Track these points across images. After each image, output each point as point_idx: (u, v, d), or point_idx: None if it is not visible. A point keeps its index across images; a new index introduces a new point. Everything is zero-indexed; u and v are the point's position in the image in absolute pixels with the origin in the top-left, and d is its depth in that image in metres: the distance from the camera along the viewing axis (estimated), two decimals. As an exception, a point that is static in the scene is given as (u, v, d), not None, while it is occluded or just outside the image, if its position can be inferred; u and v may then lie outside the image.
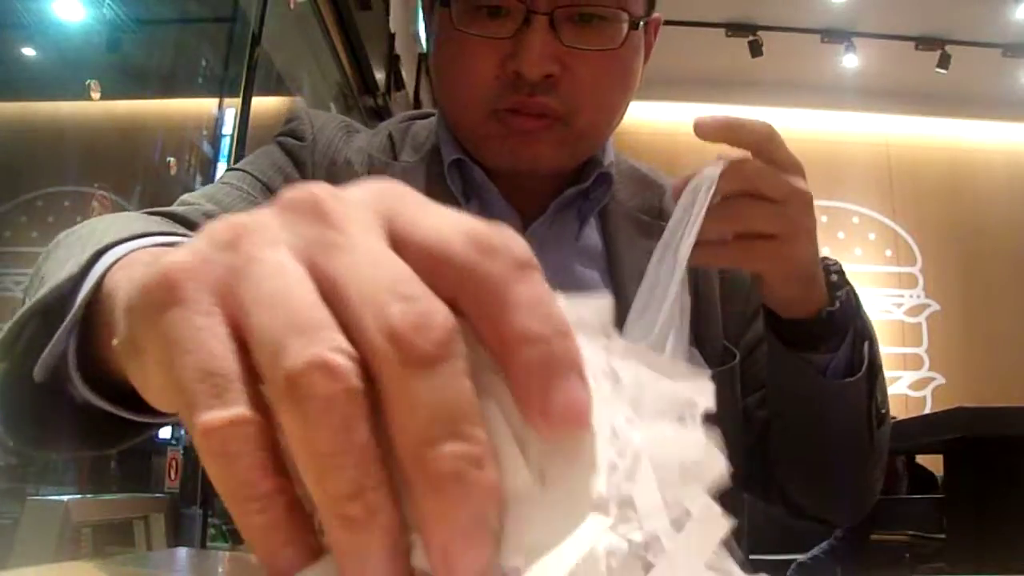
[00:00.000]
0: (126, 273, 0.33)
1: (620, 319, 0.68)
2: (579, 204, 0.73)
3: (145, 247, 0.37)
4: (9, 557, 1.61)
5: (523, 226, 0.70)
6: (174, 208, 0.61)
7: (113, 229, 0.39)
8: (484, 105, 0.65)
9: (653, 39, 0.72)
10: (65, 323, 0.35)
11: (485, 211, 0.69)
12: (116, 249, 0.37)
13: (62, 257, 0.41)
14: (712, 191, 0.53)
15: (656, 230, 0.70)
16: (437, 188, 0.69)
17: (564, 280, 0.70)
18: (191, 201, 0.64)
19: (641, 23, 0.65)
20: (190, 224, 0.56)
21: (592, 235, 0.73)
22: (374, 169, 0.70)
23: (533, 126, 0.65)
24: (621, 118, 0.72)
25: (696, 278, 0.71)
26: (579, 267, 0.72)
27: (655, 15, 0.70)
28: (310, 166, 0.71)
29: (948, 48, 5.30)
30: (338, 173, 0.70)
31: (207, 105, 3.05)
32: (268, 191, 0.68)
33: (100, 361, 0.35)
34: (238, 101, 3.13)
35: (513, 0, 0.62)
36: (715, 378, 0.69)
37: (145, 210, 0.58)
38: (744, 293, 0.75)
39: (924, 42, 5.32)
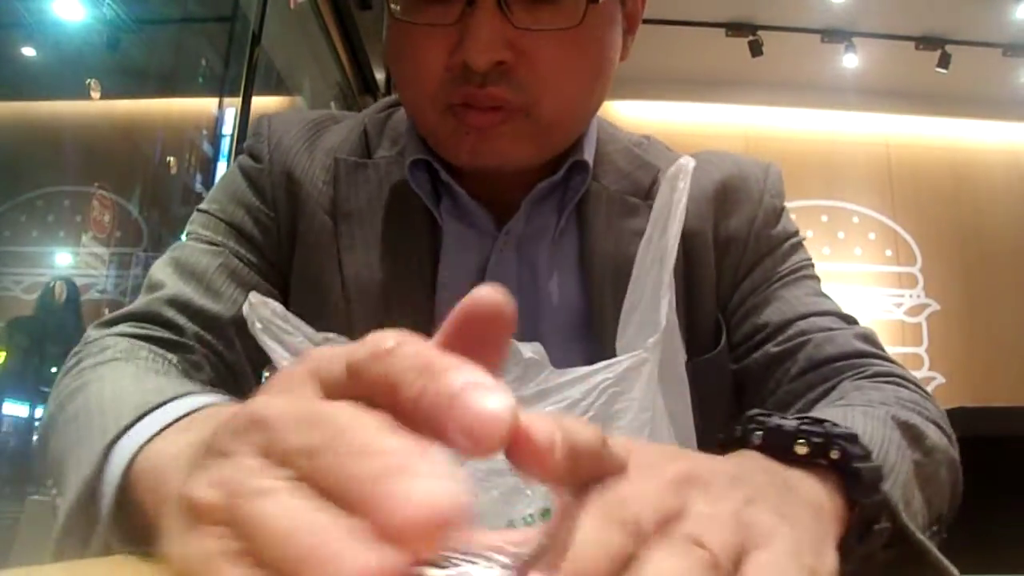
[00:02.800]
0: (141, 473, 0.38)
1: (591, 319, 0.63)
2: (557, 196, 0.67)
3: (145, 437, 0.40)
4: (9, 557, 1.61)
5: (497, 225, 0.66)
6: (139, 306, 0.63)
7: (110, 410, 0.43)
8: (436, 100, 0.59)
9: (640, 5, 0.66)
10: (101, 525, 0.40)
11: (457, 211, 0.66)
12: (124, 442, 0.41)
13: (71, 441, 0.45)
14: (688, 180, 0.52)
15: (643, 211, 0.66)
16: (411, 186, 0.66)
17: (543, 279, 0.67)
18: (158, 279, 0.65)
19: None
20: (155, 320, 0.61)
21: (568, 231, 0.68)
22: (340, 175, 0.68)
23: (488, 121, 0.58)
24: (598, 104, 0.65)
25: (690, 262, 0.68)
26: (556, 263, 0.67)
27: None
28: (269, 189, 0.69)
29: (948, 48, 5.29)
30: (297, 195, 0.68)
31: (207, 105, 3.05)
32: (233, 229, 0.68)
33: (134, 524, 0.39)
34: (238, 101, 3.13)
35: None
36: (702, 365, 0.66)
37: (109, 319, 0.62)
38: (739, 252, 0.70)
39: (924, 42, 5.32)
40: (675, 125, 5.98)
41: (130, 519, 0.39)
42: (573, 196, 0.67)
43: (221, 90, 3.02)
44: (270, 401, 0.26)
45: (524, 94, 0.58)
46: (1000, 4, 5.02)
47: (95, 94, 2.21)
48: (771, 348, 0.65)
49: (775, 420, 0.38)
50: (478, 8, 0.55)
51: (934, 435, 0.51)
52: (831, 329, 0.64)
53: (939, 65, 5.31)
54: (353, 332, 0.64)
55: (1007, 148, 6.08)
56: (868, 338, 0.65)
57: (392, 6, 0.58)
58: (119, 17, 2.28)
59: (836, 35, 5.36)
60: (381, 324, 0.64)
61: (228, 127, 3.08)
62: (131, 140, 2.59)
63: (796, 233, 0.73)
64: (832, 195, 5.93)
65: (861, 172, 5.99)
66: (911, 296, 5.91)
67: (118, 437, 0.41)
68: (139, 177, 2.60)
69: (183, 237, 0.71)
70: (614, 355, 0.63)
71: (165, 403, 0.43)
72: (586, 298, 0.66)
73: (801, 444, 0.37)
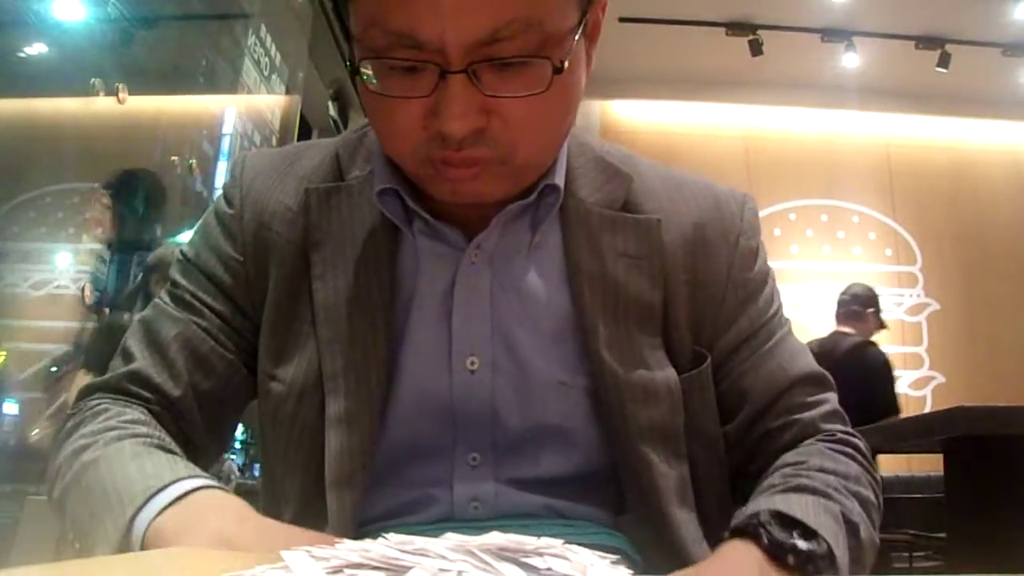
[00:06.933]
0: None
1: (581, 329, 0.67)
2: (530, 214, 0.69)
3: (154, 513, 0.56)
4: (9, 557, 1.61)
5: (468, 241, 0.68)
6: (111, 378, 0.71)
7: (125, 491, 0.58)
8: (415, 155, 0.62)
9: (601, 16, 0.65)
10: None
11: (429, 229, 0.68)
12: (139, 518, 0.56)
13: (91, 511, 0.59)
14: None
15: (620, 224, 0.70)
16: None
17: (520, 292, 0.69)
18: (128, 348, 0.72)
19: (566, 64, 0.58)
20: (125, 393, 0.70)
21: (550, 241, 0.70)
22: (312, 204, 0.71)
23: (466, 175, 0.61)
24: (568, 133, 0.68)
25: (665, 283, 0.70)
26: (533, 276, 0.69)
27: None
28: (239, 235, 0.73)
29: (948, 48, 5.29)
30: (267, 239, 0.72)
31: (208, 103, 3.05)
32: (204, 276, 0.73)
33: None
34: (238, 100, 3.14)
35: (424, 59, 0.56)
36: (685, 381, 0.70)
37: (89, 387, 0.72)
38: (718, 298, 0.72)
39: (924, 42, 5.32)
40: (675, 125, 5.97)
41: None
42: (546, 214, 0.69)
43: (221, 89, 3.02)
44: None
45: (499, 148, 0.60)
46: (1000, 4, 5.02)
47: (100, 93, 2.21)
48: (758, 425, 0.72)
49: (777, 533, 0.55)
50: (450, 81, 0.56)
51: (864, 531, 0.62)
52: (808, 407, 0.72)
53: (939, 65, 5.31)
54: (321, 352, 0.68)
55: (1007, 148, 6.08)
56: (836, 413, 0.73)
57: (365, 74, 0.59)
58: (122, 15, 2.28)
59: (836, 35, 5.36)
60: (347, 342, 0.67)
61: (228, 126, 3.09)
62: (132, 138, 2.59)
63: (770, 273, 0.77)
64: (832, 195, 5.93)
65: (861, 172, 5.99)
66: (911, 296, 5.91)
67: (135, 514, 0.56)
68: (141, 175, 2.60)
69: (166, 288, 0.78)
70: (600, 356, 0.67)
71: (163, 487, 0.57)
72: (573, 304, 0.69)
73: (792, 557, 0.54)
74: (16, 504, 1.75)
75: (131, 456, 0.62)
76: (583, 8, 0.60)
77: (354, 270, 0.68)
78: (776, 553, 0.55)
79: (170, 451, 0.65)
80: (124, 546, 0.55)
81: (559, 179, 0.69)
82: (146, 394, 0.71)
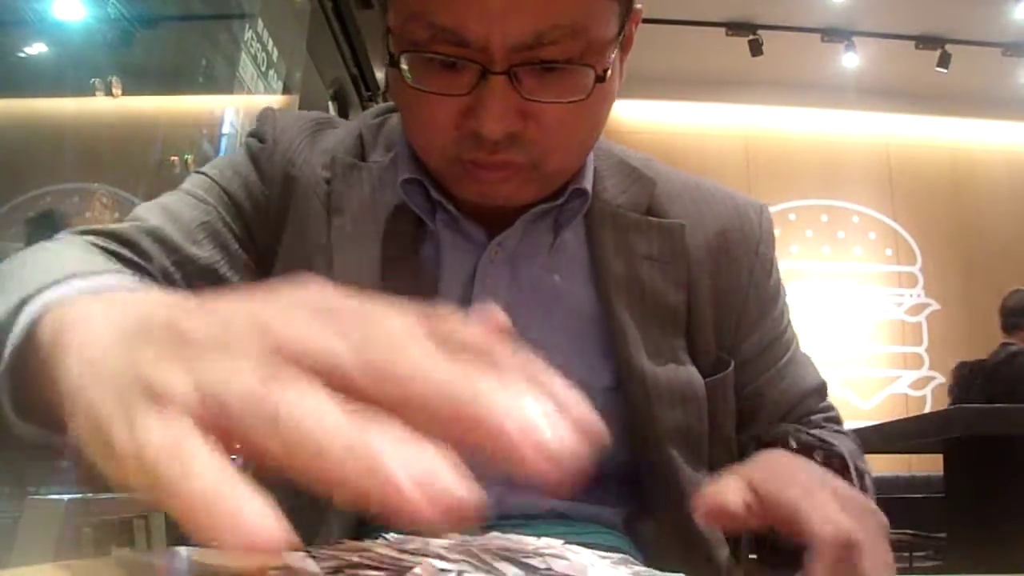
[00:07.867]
0: (51, 328, 0.34)
1: (609, 328, 0.67)
2: (553, 215, 0.69)
3: (67, 295, 0.38)
4: (9, 557, 1.61)
5: (490, 238, 0.68)
6: (116, 226, 0.62)
7: (39, 270, 0.41)
8: (446, 153, 0.61)
9: (634, 29, 0.66)
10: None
11: (452, 222, 0.68)
12: (41, 296, 0.38)
13: None
14: None
15: (645, 227, 0.70)
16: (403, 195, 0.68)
17: (540, 292, 0.68)
18: (141, 216, 0.66)
19: (608, 73, 0.59)
20: (127, 242, 0.61)
21: (573, 242, 0.70)
22: (337, 172, 0.69)
23: (498, 176, 0.61)
24: (596, 142, 0.69)
25: (689, 287, 0.70)
26: (556, 278, 0.69)
27: (636, 8, 0.64)
28: (267, 168, 0.71)
29: (948, 48, 5.30)
30: (295, 178, 0.70)
31: (208, 103, 3.05)
32: (225, 195, 0.69)
33: (27, 390, 0.37)
34: (238, 100, 3.13)
35: (467, 57, 0.56)
36: (709, 386, 0.71)
37: (83, 228, 0.61)
38: (739, 305, 0.73)
39: (924, 41, 5.32)
40: (675, 125, 5.97)
41: (27, 370, 0.36)
42: (570, 217, 0.69)
43: (221, 89, 3.02)
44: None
45: (532, 152, 0.60)
46: (1000, 4, 5.02)
47: (100, 93, 2.21)
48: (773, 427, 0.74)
49: (804, 437, 0.64)
50: (490, 85, 0.56)
51: (868, 482, 0.66)
52: (813, 412, 0.76)
53: (939, 65, 5.32)
54: None
55: (1007, 148, 6.08)
56: (837, 417, 0.78)
57: (402, 68, 0.59)
58: (122, 15, 2.28)
59: (836, 34, 5.36)
60: None
61: (228, 126, 3.09)
62: (133, 138, 2.59)
63: (783, 284, 0.79)
64: (832, 195, 5.93)
65: (861, 172, 6.00)
66: (911, 295, 5.91)
67: (36, 293, 0.38)
68: (142, 174, 2.60)
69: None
70: (629, 357, 0.66)
71: (91, 274, 0.40)
72: (601, 305, 0.68)
73: (820, 454, 0.62)
74: (16, 504, 1.75)
75: (76, 249, 0.53)
76: (623, 19, 0.61)
77: (375, 250, 0.67)
78: (806, 453, 0.60)
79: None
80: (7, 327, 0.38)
81: (587, 183, 0.69)
82: (154, 250, 0.63)
